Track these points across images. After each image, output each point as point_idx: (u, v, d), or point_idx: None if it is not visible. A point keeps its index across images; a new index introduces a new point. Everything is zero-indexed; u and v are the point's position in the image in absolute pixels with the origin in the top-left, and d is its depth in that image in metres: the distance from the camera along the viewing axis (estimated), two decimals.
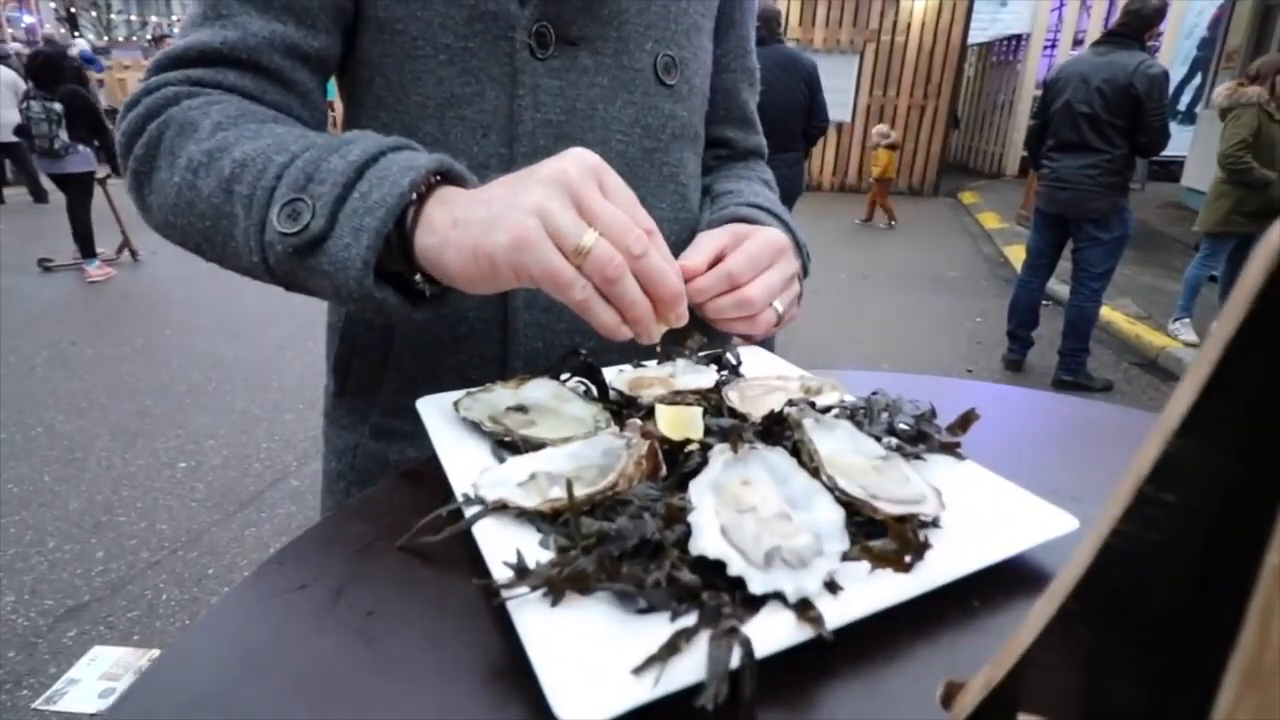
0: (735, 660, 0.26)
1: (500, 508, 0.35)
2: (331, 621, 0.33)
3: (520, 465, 0.38)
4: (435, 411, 0.49)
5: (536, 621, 0.29)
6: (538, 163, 0.46)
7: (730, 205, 0.68)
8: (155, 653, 2.04)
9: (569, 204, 0.43)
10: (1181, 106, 10.88)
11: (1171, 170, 9.63)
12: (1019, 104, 11.67)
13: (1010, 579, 0.35)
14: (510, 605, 0.29)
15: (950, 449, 0.42)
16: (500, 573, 0.30)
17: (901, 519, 0.33)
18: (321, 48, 0.60)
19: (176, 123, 0.53)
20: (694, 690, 0.26)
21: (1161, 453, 0.20)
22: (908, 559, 0.31)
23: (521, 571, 0.29)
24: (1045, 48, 11.71)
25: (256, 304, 4.89)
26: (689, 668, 0.27)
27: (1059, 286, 4.70)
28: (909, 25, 10.23)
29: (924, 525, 0.35)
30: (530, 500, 0.35)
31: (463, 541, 0.36)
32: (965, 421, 0.42)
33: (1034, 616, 0.24)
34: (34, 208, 6.42)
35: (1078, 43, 11.05)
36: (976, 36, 11.83)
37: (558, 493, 0.35)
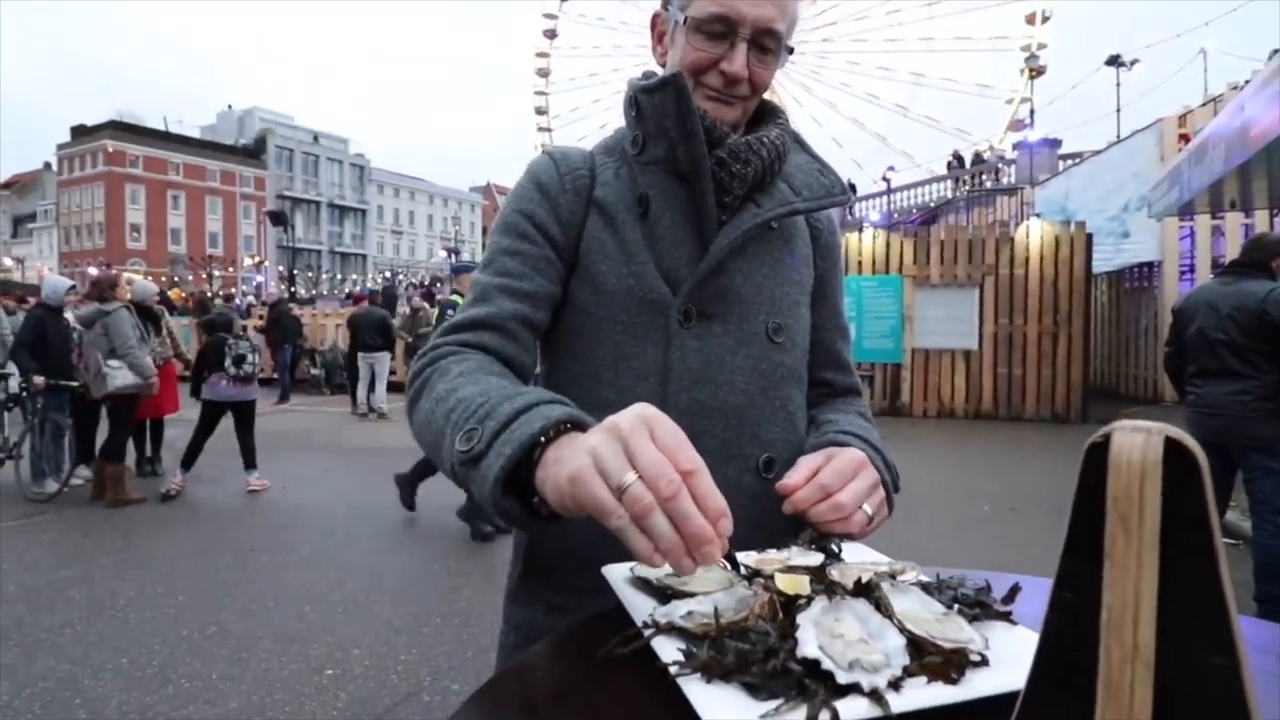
0: None
1: (669, 629, 0.52)
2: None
3: (681, 605, 0.55)
4: (617, 573, 0.67)
5: (698, 689, 0.44)
6: (634, 408, 0.56)
7: (829, 432, 0.88)
8: None
9: (619, 449, 0.52)
10: None
11: None
12: (1162, 328, 11.28)
13: None
14: (680, 680, 0.45)
15: (1004, 616, 0.54)
16: (671, 655, 0.47)
17: (954, 651, 0.47)
18: (541, 319, 0.89)
19: (439, 371, 0.79)
20: None
21: (1061, 567, 0.35)
22: (953, 674, 0.44)
23: (688, 655, 0.45)
24: (1183, 272, 11.49)
25: (418, 517, 5.27)
26: None
27: (1241, 521, 4.23)
28: (1026, 259, 10.50)
29: (972, 663, 0.48)
30: (689, 624, 0.51)
31: (633, 658, 0.52)
32: (1012, 594, 0.55)
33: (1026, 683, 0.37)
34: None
35: (1216, 265, 10.80)
36: (1101, 266, 11.87)
37: (708, 621, 0.51)
